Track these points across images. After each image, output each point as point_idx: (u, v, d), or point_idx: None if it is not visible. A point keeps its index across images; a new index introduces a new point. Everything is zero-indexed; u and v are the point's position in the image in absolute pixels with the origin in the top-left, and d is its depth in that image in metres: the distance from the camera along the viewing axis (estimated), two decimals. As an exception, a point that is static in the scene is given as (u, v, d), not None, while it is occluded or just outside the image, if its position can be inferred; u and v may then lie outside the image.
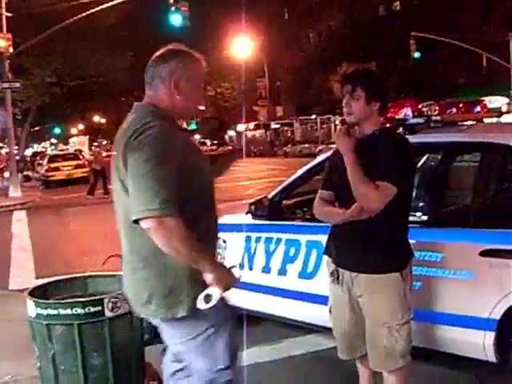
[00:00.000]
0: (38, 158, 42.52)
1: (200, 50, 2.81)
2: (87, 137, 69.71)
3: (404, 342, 3.37)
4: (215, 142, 61.86)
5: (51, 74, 34.33)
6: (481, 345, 3.73)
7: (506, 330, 3.65)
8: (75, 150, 40.85)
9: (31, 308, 3.35)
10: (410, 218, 4.21)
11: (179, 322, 2.64)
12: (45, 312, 3.28)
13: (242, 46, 39.71)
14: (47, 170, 30.82)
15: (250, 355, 5.06)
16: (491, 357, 3.73)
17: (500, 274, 3.66)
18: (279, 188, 5.11)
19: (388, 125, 3.88)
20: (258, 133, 58.32)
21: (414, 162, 3.53)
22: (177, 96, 2.71)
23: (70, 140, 55.80)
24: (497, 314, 3.65)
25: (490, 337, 3.70)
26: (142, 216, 2.46)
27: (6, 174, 28.05)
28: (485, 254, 3.66)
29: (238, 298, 5.41)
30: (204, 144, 58.77)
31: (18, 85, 24.83)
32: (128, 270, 2.72)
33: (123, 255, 2.76)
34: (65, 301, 3.42)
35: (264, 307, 5.14)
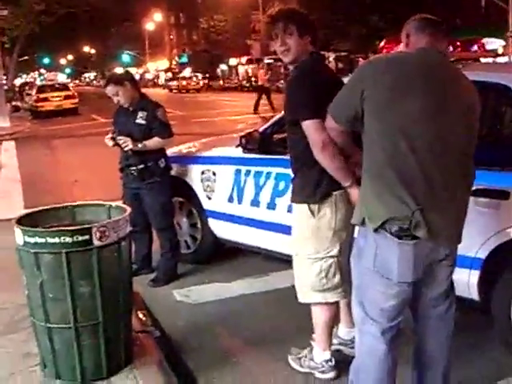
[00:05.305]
0: (26, 88, 41.81)
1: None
2: (58, 73, 70.94)
3: (316, 277, 3.43)
4: (206, 75, 61.09)
5: (40, 1, 33.51)
6: (465, 283, 3.77)
7: (490, 269, 3.69)
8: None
9: (19, 236, 3.33)
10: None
11: None
12: (32, 240, 3.26)
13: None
14: (36, 101, 30.39)
15: (235, 287, 5.15)
16: (474, 295, 3.79)
17: (489, 214, 3.67)
18: (270, 122, 5.05)
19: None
20: (250, 67, 57.37)
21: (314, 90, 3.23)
22: None
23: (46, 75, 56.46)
24: (483, 254, 3.68)
25: (474, 275, 3.74)
26: None
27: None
28: (474, 193, 3.65)
29: (227, 231, 5.47)
30: (196, 78, 58.04)
31: (5, 12, 24.41)
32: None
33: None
34: (53, 229, 3.40)
35: (253, 240, 5.17)
